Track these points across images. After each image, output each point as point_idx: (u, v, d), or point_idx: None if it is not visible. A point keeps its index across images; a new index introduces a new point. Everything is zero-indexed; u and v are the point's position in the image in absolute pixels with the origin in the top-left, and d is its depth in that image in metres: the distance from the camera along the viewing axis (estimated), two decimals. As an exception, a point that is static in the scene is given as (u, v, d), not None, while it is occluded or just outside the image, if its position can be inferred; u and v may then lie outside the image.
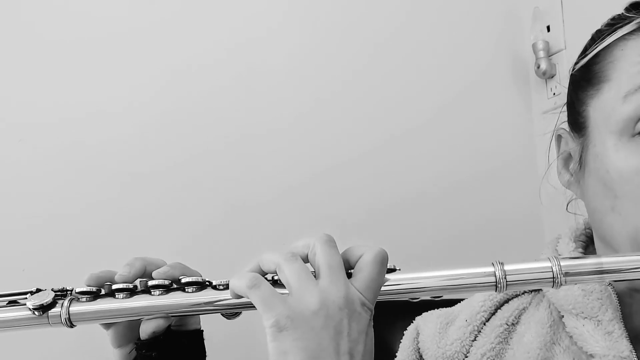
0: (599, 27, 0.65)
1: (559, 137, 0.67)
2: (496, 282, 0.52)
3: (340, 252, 0.51)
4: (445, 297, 0.53)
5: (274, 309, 0.45)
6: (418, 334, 0.74)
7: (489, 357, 0.68)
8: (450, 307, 0.75)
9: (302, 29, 1.28)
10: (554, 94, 1.35)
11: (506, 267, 0.52)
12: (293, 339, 0.44)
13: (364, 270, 0.49)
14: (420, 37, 1.35)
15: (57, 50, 1.12)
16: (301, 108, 1.26)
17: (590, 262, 0.53)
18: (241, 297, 0.50)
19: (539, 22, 1.35)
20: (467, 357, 0.69)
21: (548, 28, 1.35)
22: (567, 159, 0.66)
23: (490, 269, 0.52)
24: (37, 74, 1.10)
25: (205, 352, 0.57)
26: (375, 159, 1.29)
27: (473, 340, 0.70)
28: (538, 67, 1.34)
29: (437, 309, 0.74)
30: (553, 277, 0.52)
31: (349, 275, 0.50)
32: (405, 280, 0.52)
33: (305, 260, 0.50)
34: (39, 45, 1.11)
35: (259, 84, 1.23)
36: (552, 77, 1.35)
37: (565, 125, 0.67)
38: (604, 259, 0.53)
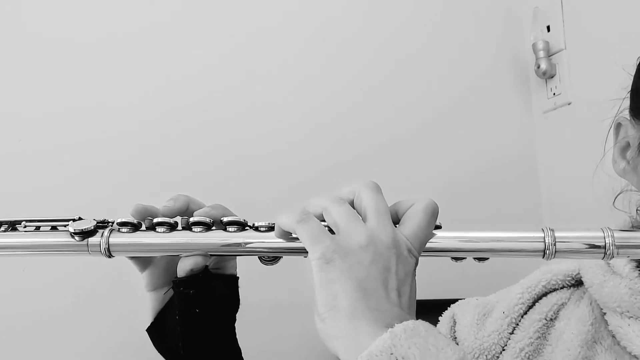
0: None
1: (618, 125, 0.66)
2: (545, 248, 0.50)
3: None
4: (491, 259, 0.51)
5: (322, 242, 0.44)
6: (455, 322, 0.72)
7: (527, 352, 0.65)
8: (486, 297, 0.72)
9: (303, 30, 1.30)
10: (554, 94, 1.35)
11: (557, 234, 0.51)
12: (341, 270, 0.43)
13: (414, 218, 0.48)
14: (420, 38, 1.37)
15: (56, 50, 1.14)
16: (302, 109, 1.27)
17: (646, 235, 0.51)
18: (287, 237, 0.50)
19: (539, 22, 1.36)
20: (504, 349, 0.67)
21: (548, 28, 1.35)
22: (625, 147, 0.64)
23: (540, 234, 0.51)
24: (35, 73, 1.12)
25: (239, 298, 0.56)
26: (375, 160, 1.29)
27: (511, 333, 0.67)
28: (538, 67, 1.34)
29: (474, 297, 0.72)
30: (605, 248, 0.50)
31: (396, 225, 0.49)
32: (451, 237, 0.51)
33: (352, 205, 0.50)
34: (39, 44, 1.13)
35: (260, 85, 1.24)
36: (552, 77, 1.35)
37: (626, 113, 0.65)
38: (660, 233, 0.51)
